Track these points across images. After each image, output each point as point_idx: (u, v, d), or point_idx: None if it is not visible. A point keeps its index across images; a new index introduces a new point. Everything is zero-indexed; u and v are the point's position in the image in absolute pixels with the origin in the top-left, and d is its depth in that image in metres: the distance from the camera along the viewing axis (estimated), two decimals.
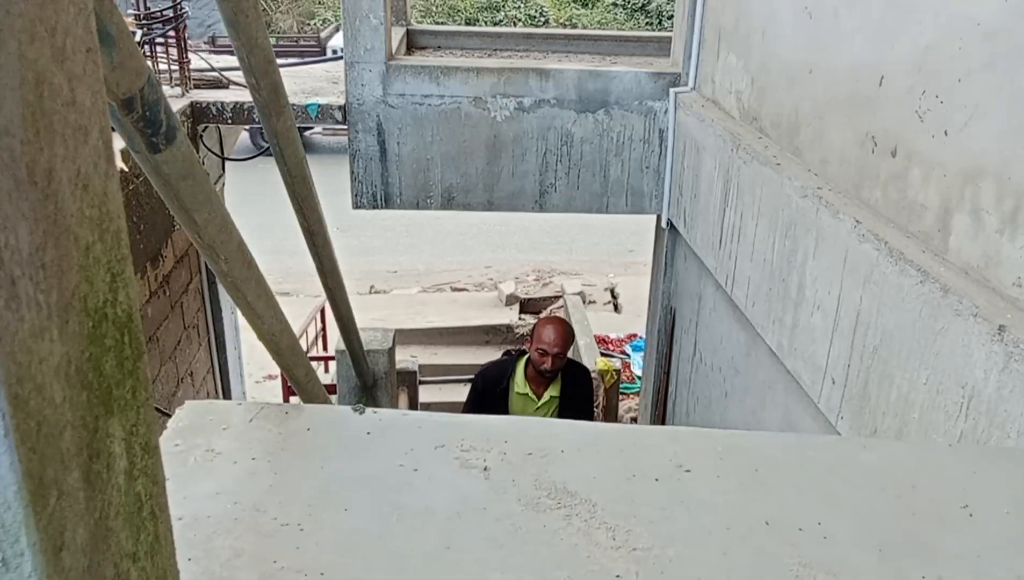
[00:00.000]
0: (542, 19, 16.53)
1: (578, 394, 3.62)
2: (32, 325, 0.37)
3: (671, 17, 8.14)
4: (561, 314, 6.97)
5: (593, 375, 6.34)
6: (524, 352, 3.64)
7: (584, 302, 8.09)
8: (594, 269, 10.00)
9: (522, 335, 7.38)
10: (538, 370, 3.44)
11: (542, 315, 3.38)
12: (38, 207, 0.37)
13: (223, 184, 5.77)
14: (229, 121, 4.76)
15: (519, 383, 3.58)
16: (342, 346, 2.89)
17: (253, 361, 6.77)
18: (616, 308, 9.02)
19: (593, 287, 9.19)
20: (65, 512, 0.40)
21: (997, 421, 1.55)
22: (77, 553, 0.41)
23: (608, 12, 16.81)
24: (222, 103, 4.71)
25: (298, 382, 1.59)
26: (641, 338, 6.93)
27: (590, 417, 3.68)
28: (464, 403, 3.75)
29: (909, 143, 2.02)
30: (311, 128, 11.27)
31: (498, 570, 0.91)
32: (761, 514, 1.03)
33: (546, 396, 3.56)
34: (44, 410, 0.38)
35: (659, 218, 4.63)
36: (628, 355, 7.41)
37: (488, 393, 3.59)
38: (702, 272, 3.54)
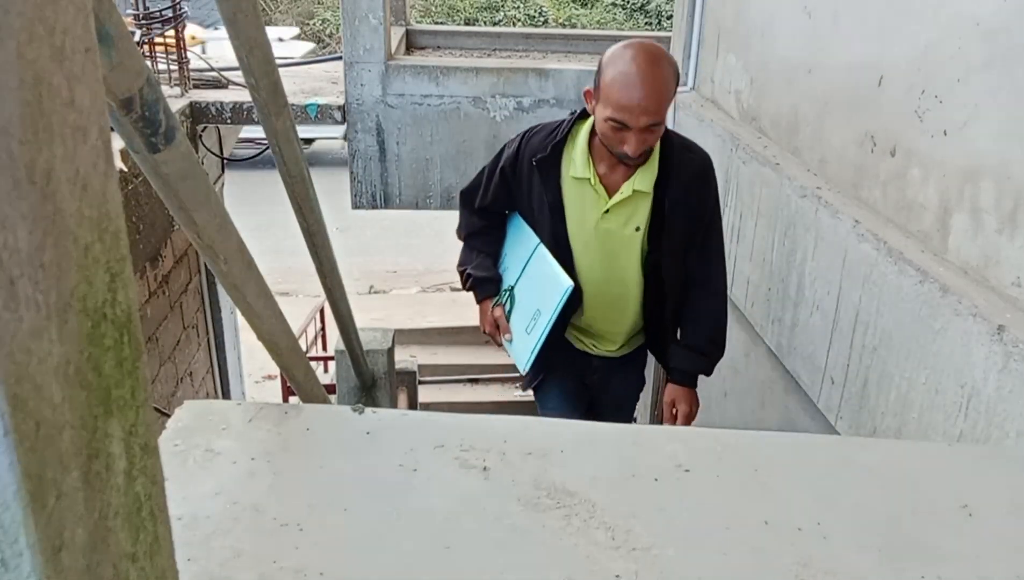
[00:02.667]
0: (541, 19, 16.53)
1: (692, 197, 2.08)
2: (31, 325, 0.37)
3: (670, 17, 8.13)
4: None
5: None
6: (585, 114, 2.08)
7: None
8: None
9: None
10: (613, 153, 1.97)
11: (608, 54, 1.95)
12: (37, 207, 0.37)
13: (222, 184, 5.77)
14: (229, 121, 4.76)
15: (577, 160, 2.05)
16: (341, 346, 2.89)
17: (253, 361, 6.77)
18: None
19: None
20: (64, 512, 0.40)
21: (996, 421, 1.55)
22: (76, 553, 0.41)
23: (607, 12, 16.80)
24: (221, 103, 4.71)
25: (297, 382, 1.59)
26: None
27: (720, 256, 2.22)
28: (465, 195, 2.32)
29: (908, 143, 2.02)
30: (321, 138, 10.92)
31: (497, 570, 0.91)
32: (761, 514, 1.03)
33: (626, 189, 2.03)
34: (43, 410, 0.38)
35: None
36: None
37: (520, 173, 2.12)
38: None
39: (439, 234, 11.08)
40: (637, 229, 2.11)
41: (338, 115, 4.67)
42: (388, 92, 4.54)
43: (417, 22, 10.32)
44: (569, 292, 2.06)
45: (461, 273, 2.36)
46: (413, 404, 4.09)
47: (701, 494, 1.06)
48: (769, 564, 0.95)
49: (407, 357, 4.16)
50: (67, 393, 0.40)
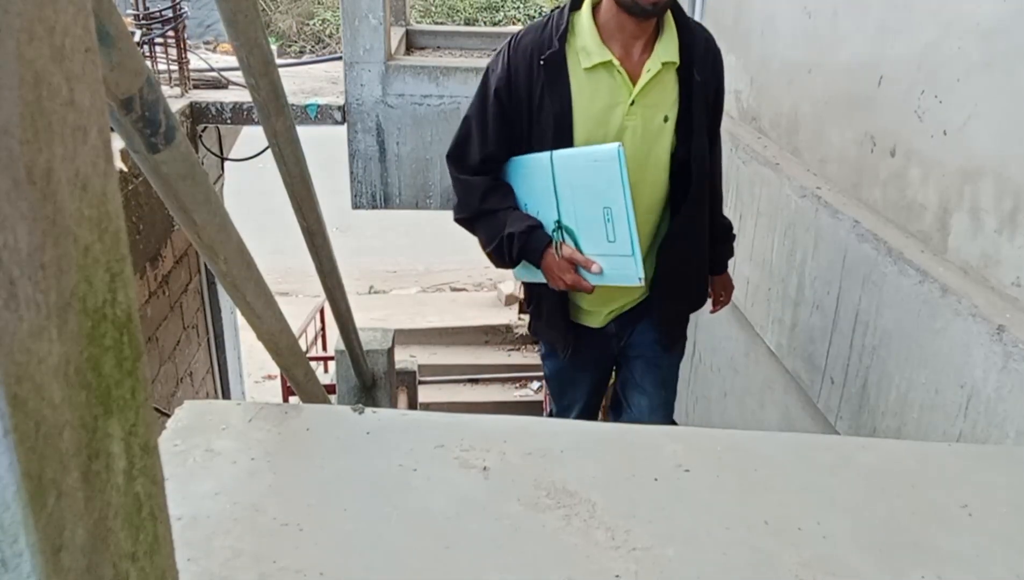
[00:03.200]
0: None
1: (709, 71, 1.87)
2: (31, 325, 0.37)
3: None
4: None
5: None
6: (576, 4, 1.83)
7: None
8: None
9: (522, 335, 7.38)
10: (629, 8, 1.70)
11: None
12: (37, 207, 0.37)
13: (222, 184, 5.77)
14: (228, 121, 4.77)
15: (589, 45, 1.78)
16: (341, 346, 2.89)
17: (252, 361, 6.77)
18: None
19: None
20: (64, 512, 0.40)
21: (996, 421, 1.55)
22: (76, 553, 0.41)
23: None
24: (221, 103, 4.71)
25: (297, 382, 1.59)
26: None
27: (719, 148, 2.05)
28: (455, 156, 1.93)
29: (908, 143, 2.02)
30: None
31: (497, 570, 0.91)
32: (761, 514, 1.03)
33: (652, 65, 1.78)
34: (43, 410, 0.38)
35: None
36: None
37: (517, 90, 1.82)
38: None
39: (439, 234, 11.08)
40: (666, 119, 1.83)
41: (338, 115, 4.67)
42: (388, 92, 4.55)
43: (417, 22, 10.33)
44: (622, 154, 1.67)
45: (496, 248, 1.86)
46: (413, 404, 4.09)
47: (701, 494, 1.06)
48: (769, 564, 0.95)
49: (407, 357, 4.16)
50: (67, 393, 0.40)
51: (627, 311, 2.08)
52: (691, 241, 1.98)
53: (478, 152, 1.89)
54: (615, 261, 1.77)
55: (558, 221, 1.82)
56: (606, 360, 2.22)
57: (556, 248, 1.81)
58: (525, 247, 1.83)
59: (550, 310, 2.04)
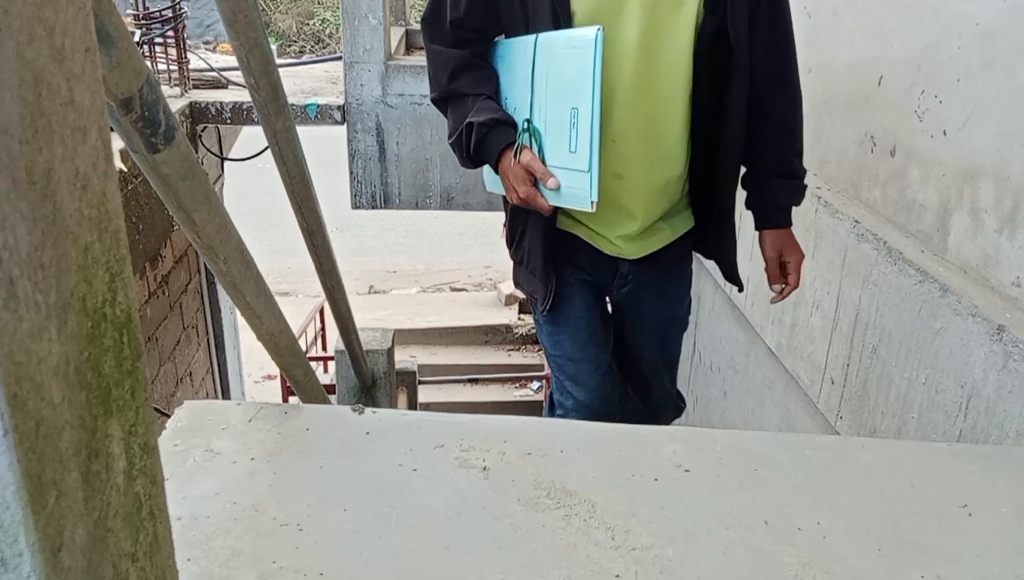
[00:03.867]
0: None
1: None
2: (31, 325, 0.37)
3: None
4: None
5: None
6: None
7: None
8: None
9: (522, 335, 7.38)
10: None
11: None
12: (36, 207, 0.37)
13: (222, 184, 5.77)
14: (228, 121, 4.76)
15: None
16: (341, 346, 2.89)
17: (252, 361, 6.77)
18: None
19: None
20: (64, 512, 0.40)
21: (996, 421, 1.55)
22: (76, 553, 0.41)
23: None
24: (221, 103, 4.71)
25: (297, 382, 1.59)
26: None
27: (790, 32, 1.69)
28: (429, 22, 1.61)
29: (908, 142, 2.02)
30: None
31: (497, 570, 0.91)
32: (760, 514, 1.03)
33: None
34: (43, 410, 0.38)
35: None
36: None
37: None
38: (701, 272, 3.54)
39: (439, 234, 11.10)
40: None
41: (338, 115, 4.67)
42: (388, 92, 4.54)
43: (417, 22, 10.32)
44: (600, 40, 1.37)
45: (456, 139, 1.55)
46: (413, 404, 4.09)
47: (701, 494, 1.06)
48: (769, 564, 0.95)
49: (407, 357, 4.16)
50: (67, 393, 0.40)
51: (646, 256, 1.67)
52: (728, 149, 1.59)
53: (448, 14, 1.57)
54: (572, 177, 1.45)
55: (528, 120, 1.52)
56: (602, 291, 1.79)
57: (516, 151, 1.49)
58: (483, 142, 1.51)
59: (531, 247, 1.65)
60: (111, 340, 0.45)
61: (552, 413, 1.91)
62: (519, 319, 7.65)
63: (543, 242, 1.63)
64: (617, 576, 0.91)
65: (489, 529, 0.97)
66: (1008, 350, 1.52)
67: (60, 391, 0.39)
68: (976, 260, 1.76)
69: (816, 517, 1.03)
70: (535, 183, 1.49)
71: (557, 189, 1.46)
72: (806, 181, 1.69)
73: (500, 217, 1.88)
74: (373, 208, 4.80)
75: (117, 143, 0.90)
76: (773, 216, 1.71)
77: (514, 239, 1.72)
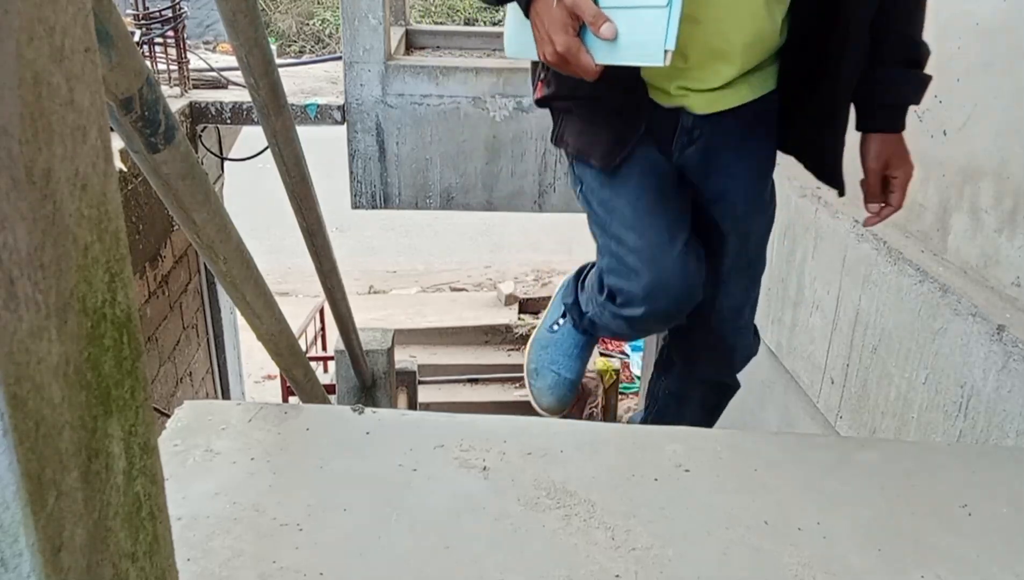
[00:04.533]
0: None
1: None
2: (31, 325, 0.37)
3: None
4: None
5: (592, 375, 6.32)
6: None
7: None
8: None
9: (522, 335, 7.38)
10: None
11: None
12: (36, 207, 0.37)
13: (222, 184, 5.77)
14: (228, 121, 4.76)
15: None
16: (341, 346, 2.89)
17: (252, 361, 6.77)
18: None
19: None
20: (64, 512, 0.40)
21: (996, 421, 1.55)
22: (76, 553, 0.41)
23: None
24: (221, 103, 4.71)
25: (297, 382, 1.59)
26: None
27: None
28: None
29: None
30: None
31: (497, 570, 0.91)
32: (760, 514, 1.03)
33: None
34: (43, 410, 0.38)
35: None
36: (627, 355, 7.41)
37: None
38: None
39: (439, 234, 11.10)
40: None
41: (338, 115, 4.66)
42: (388, 92, 4.54)
43: (417, 22, 10.32)
44: None
45: None
46: (413, 404, 4.09)
47: (701, 494, 1.06)
48: (769, 564, 0.95)
49: (407, 357, 4.17)
50: (67, 393, 0.40)
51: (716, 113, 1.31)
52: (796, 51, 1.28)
53: None
54: (637, 18, 1.05)
55: None
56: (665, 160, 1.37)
57: None
58: None
59: (591, 84, 1.13)
60: (111, 340, 0.45)
61: (606, 305, 1.41)
62: (519, 319, 7.65)
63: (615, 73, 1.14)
64: (617, 576, 0.91)
65: (489, 529, 0.97)
66: (1008, 350, 1.52)
67: (60, 391, 0.39)
68: (976, 260, 1.76)
69: (816, 517, 1.03)
70: (579, 32, 1.08)
71: (612, 38, 1.06)
72: (926, 73, 1.30)
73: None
74: (373, 208, 4.80)
75: (117, 143, 0.90)
76: (885, 117, 1.34)
77: (558, 79, 1.30)
